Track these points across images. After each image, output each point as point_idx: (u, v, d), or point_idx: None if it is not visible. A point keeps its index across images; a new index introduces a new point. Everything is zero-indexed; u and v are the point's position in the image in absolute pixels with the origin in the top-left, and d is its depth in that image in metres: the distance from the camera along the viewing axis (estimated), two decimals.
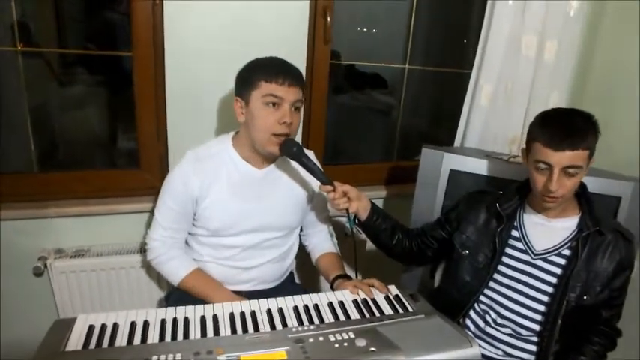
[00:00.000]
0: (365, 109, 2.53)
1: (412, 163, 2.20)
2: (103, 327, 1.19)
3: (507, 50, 1.95)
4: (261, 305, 1.34)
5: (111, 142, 2.09)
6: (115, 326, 1.20)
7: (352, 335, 1.17)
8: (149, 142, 1.87)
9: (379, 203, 2.20)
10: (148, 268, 1.83)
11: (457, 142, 2.09)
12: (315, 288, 2.12)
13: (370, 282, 1.45)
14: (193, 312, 1.29)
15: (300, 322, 1.27)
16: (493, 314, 1.49)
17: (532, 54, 1.96)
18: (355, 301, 1.38)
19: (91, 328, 1.19)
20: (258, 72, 1.42)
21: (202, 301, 1.39)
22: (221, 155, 1.52)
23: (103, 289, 1.83)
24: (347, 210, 1.51)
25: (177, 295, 1.60)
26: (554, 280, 1.41)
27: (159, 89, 1.80)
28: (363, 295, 1.41)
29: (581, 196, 1.44)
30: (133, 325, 1.21)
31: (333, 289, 1.56)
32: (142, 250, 1.84)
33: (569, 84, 2.11)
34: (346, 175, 2.15)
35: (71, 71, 1.96)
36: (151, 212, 1.85)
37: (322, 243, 1.74)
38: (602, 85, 2.19)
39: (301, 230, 1.77)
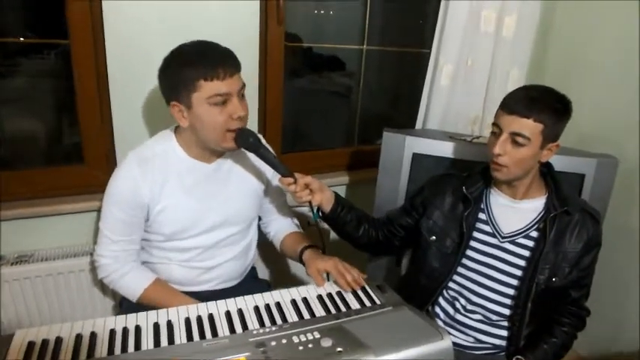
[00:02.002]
0: (323, 92, 2.44)
1: (374, 148, 2.13)
2: (45, 343, 1.08)
3: (467, 27, 1.89)
4: (219, 307, 1.24)
5: (55, 138, 1.92)
6: (58, 341, 1.09)
7: (317, 335, 1.10)
8: (93, 135, 1.72)
9: (341, 190, 2.14)
10: None
11: (419, 124, 2.03)
12: (280, 281, 2.03)
13: (349, 270, 1.35)
14: (145, 319, 1.18)
15: (262, 324, 1.18)
16: (462, 301, 1.44)
17: (491, 30, 1.91)
18: (320, 297, 1.31)
19: (31, 345, 1.07)
20: (192, 71, 1.23)
21: None
22: (167, 154, 1.37)
23: (51, 297, 1.68)
24: (310, 202, 1.41)
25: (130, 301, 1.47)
26: (522, 263, 1.37)
27: (101, 78, 1.65)
28: (328, 290, 1.33)
29: (548, 175, 1.40)
30: (78, 338, 1.10)
31: (302, 262, 1.48)
32: (93, 251, 1.71)
33: (529, 60, 2.06)
34: (306, 163, 2.07)
35: (8, 62, 1.77)
36: (99, 210, 1.72)
37: (284, 226, 1.65)
38: (562, 60, 2.16)
39: (260, 219, 1.67)
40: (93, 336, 1.10)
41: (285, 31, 1.88)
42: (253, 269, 1.71)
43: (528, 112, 1.24)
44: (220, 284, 1.54)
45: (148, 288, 1.40)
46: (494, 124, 1.32)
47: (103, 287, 1.75)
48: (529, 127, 1.25)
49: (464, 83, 1.98)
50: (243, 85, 1.31)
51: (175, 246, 1.44)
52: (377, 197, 1.76)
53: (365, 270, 1.84)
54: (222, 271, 1.52)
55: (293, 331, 1.12)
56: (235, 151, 1.40)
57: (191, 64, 1.23)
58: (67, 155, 1.90)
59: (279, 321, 1.19)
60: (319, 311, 1.24)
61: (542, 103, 1.25)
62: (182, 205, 1.38)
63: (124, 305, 1.50)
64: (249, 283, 1.61)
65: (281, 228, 1.64)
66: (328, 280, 1.39)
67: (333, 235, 1.69)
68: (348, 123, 2.36)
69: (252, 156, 1.45)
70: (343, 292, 1.32)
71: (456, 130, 1.96)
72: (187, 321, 1.18)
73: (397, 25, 2.34)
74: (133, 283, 1.41)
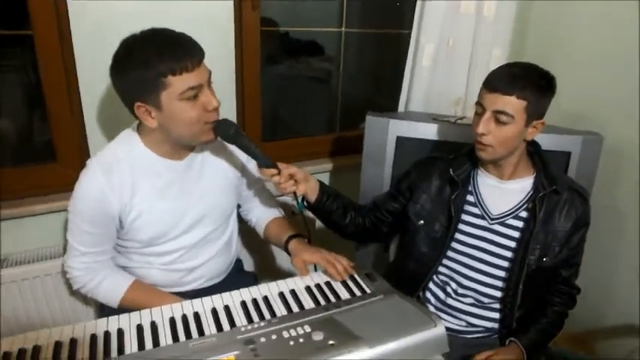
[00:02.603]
0: (302, 78, 2.38)
1: (357, 133, 2.10)
2: (21, 353, 1.02)
3: (447, 5, 1.85)
4: (204, 305, 1.20)
5: (26, 136, 1.83)
6: (36, 350, 1.03)
7: (308, 329, 1.07)
8: (64, 130, 1.64)
9: (324, 177, 2.10)
10: None
11: (401, 107, 1.99)
12: (265, 270, 1.99)
13: (338, 259, 1.32)
14: (128, 321, 1.14)
15: (250, 320, 1.14)
16: (453, 285, 1.43)
17: (472, 8, 1.87)
18: (308, 288, 1.27)
19: (6, 356, 1.01)
20: (156, 67, 1.11)
21: None
22: (132, 156, 1.27)
23: (29, 303, 1.61)
24: (294, 193, 1.37)
25: None
26: (513, 244, 1.36)
27: (69, 70, 1.57)
28: (317, 280, 1.30)
29: (535, 154, 1.38)
30: (57, 346, 1.04)
31: (288, 252, 1.43)
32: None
33: (510, 39, 2.04)
34: (287, 151, 2.03)
35: None
36: None
37: (266, 212, 1.59)
38: (543, 39, 2.14)
39: (239, 207, 1.60)
40: (73, 343, 1.05)
41: (260, 16, 1.82)
42: (238, 262, 1.66)
43: (511, 89, 1.22)
44: (206, 282, 1.49)
45: (127, 291, 1.34)
46: (477, 103, 1.30)
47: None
48: (512, 104, 1.23)
49: (445, 64, 1.94)
50: (210, 72, 1.22)
51: (155, 251, 1.37)
52: (362, 183, 1.73)
53: (353, 257, 1.82)
54: (206, 269, 1.47)
55: (282, 325, 1.09)
56: (211, 142, 1.33)
57: (154, 60, 1.11)
58: (39, 153, 1.81)
59: (267, 316, 1.15)
60: (308, 303, 1.20)
61: (525, 80, 1.23)
62: (157, 209, 1.30)
63: (106, 308, 1.44)
64: (235, 277, 1.57)
65: (263, 214, 1.59)
66: (316, 271, 1.36)
67: (318, 223, 1.66)
68: (329, 108, 2.31)
69: (224, 145, 1.39)
70: (332, 282, 1.29)
71: (438, 112, 1.92)
72: (172, 321, 1.13)
73: (376, 5, 2.29)
74: (111, 290, 1.35)
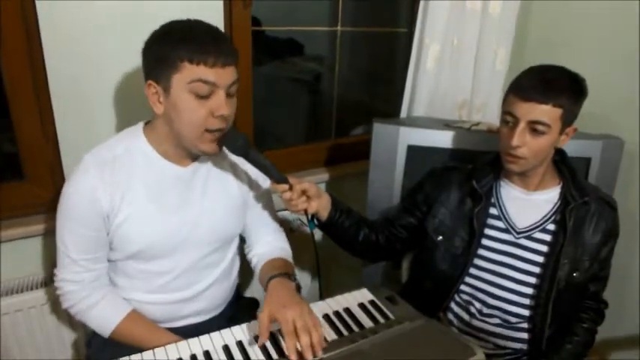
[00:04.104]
0: (293, 81, 2.33)
1: (356, 139, 2.07)
2: None
3: (452, 5, 1.83)
4: (214, 341, 1.15)
5: None
6: None
7: None
8: (33, 144, 1.54)
9: (322, 187, 2.05)
10: (54, 304, 1.54)
11: (403, 112, 1.97)
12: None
13: (309, 328, 1.09)
14: None
15: (268, 357, 1.10)
16: (478, 304, 1.41)
17: (478, 6, 1.87)
18: (327, 317, 1.23)
19: None
20: (178, 48, 1.10)
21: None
22: (132, 154, 1.22)
23: None
24: (305, 211, 1.32)
25: (100, 338, 1.30)
26: (541, 259, 1.35)
27: (38, 75, 1.48)
28: (335, 308, 1.25)
29: (560, 163, 1.38)
30: None
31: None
32: (45, 283, 1.55)
33: (513, 38, 2.04)
34: (281, 160, 1.97)
35: None
36: (45, 234, 1.57)
37: (269, 252, 1.44)
38: (545, 37, 2.16)
39: (243, 241, 1.51)
40: None
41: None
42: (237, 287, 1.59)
43: (546, 97, 1.21)
44: (204, 316, 1.40)
45: (122, 321, 1.25)
46: (506, 112, 1.28)
47: (59, 325, 1.59)
48: (548, 113, 1.22)
49: (450, 65, 1.93)
50: (235, 81, 1.18)
51: (143, 269, 1.28)
52: (370, 195, 1.69)
53: (360, 274, 1.78)
54: (207, 300, 1.37)
55: None
56: (214, 155, 1.26)
57: (179, 42, 1.11)
58: (2, 169, 1.70)
59: (287, 350, 1.10)
60: (329, 334, 1.16)
61: (560, 86, 1.22)
62: (148, 215, 1.23)
63: (93, 344, 1.35)
64: (235, 307, 1.49)
65: (267, 254, 1.43)
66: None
67: (318, 235, 1.59)
68: (323, 114, 2.26)
69: (230, 159, 1.35)
70: (351, 309, 1.25)
71: (443, 116, 1.91)
72: None
73: (372, 3, 2.25)
74: (103, 317, 1.26)
